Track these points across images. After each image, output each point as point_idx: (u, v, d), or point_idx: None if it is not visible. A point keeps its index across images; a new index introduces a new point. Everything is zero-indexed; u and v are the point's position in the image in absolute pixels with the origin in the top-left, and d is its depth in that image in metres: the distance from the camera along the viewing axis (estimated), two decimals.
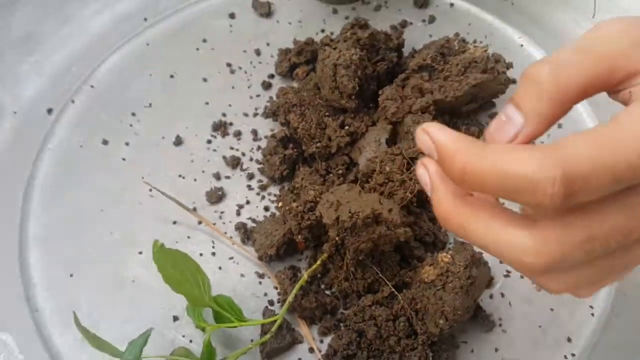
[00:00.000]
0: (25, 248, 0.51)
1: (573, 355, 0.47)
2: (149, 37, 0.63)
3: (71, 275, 0.50)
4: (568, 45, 0.28)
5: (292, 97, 0.54)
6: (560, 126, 0.56)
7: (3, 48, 0.61)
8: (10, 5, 0.62)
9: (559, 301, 0.49)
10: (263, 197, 0.54)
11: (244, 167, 0.56)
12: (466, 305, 0.43)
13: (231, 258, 0.51)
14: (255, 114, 0.59)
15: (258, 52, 0.62)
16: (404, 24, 0.63)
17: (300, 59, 0.60)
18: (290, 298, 0.45)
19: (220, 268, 0.51)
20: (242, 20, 0.64)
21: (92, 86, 0.61)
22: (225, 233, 0.52)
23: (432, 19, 0.64)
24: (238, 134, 0.57)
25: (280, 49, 0.61)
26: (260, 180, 0.55)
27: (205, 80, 0.61)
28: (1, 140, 0.57)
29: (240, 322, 0.43)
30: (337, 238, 0.45)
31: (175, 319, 0.48)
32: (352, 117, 0.55)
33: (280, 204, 0.51)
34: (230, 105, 0.59)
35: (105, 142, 0.57)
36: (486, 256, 0.45)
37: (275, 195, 0.54)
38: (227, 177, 0.55)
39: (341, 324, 0.47)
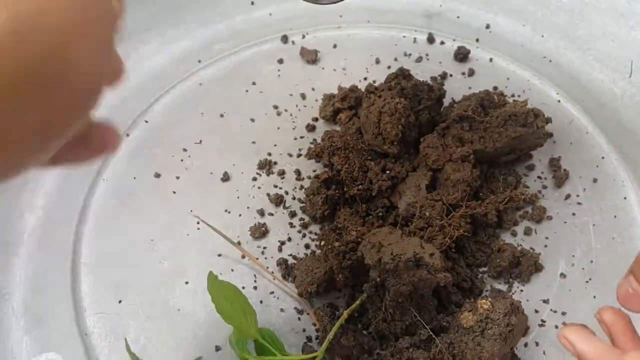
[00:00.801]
0: (77, 274, 0.54)
1: None
2: (202, 78, 0.67)
3: (120, 302, 0.52)
4: None
5: (337, 140, 0.57)
6: (595, 180, 0.58)
7: None
8: None
9: None
10: (304, 235, 0.56)
11: (287, 205, 0.58)
12: (503, 352, 0.44)
13: (272, 293, 0.53)
14: (299, 155, 0.61)
15: (303, 96, 0.66)
16: (444, 76, 0.66)
17: (344, 105, 0.63)
18: (330, 335, 0.46)
19: (261, 302, 0.52)
20: (289, 65, 0.68)
21: (146, 121, 0.64)
22: (267, 268, 0.54)
23: (471, 72, 0.66)
24: (282, 173, 0.60)
25: (324, 94, 0.64)
26: (302, 219, 0.57)
27: (252, 120, 0.64)
28: (58, 169, 0.61)
29: (283, 355, 0.45)
30: (378, 279, 0.47)
31: (218, 348, 0.50)
32: (394, 162, 0.57)
33: (322, 243, 0.53)
34: (275, 145, 0.62)
35: (157, 175, 0.60)
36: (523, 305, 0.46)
37: (316, 233, 0.56)
38: (271, 214, 0.57)
39: None
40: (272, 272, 0.54)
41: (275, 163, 0.61)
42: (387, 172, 0.56)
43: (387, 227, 0.52)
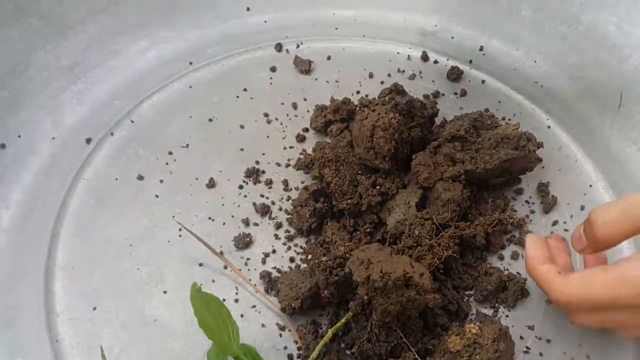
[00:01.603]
0: (51, 276, 0.51)
1: None
2: (193, 80, 0.66)
3: (94, 309, 0.50)
4: (614, 206, 0.42)
5: (328, 152, 0.56)
6: (583, 208, 0.58)
7: (50, 74, 0.63)
8: (63, 33, 0.65)
9: None
10: (289, 248, 0.55)
11: (273, 215, 0.57)
12: None
13: (253, 307, 0.51)
14: (288, 165, 0.60)
15: (295, 106, 0.64)
16: (436, 94, 0.66)
17: (336, 117, 0.62)
18: (314, 355, 0.45)
19: (242, 316, 0.51)
20: (282, 74, 0.67)
21: (132, 121, 0.62)
22: (250, 280, 0.52)
23: (463, 93, 0.66)
24: (269, 183, 0.59)
25: (317, 105, 0.63)
26: (287, 231, 0.56)
27: (242, 127, 0.62)
28: (38, 164, 0.58)
29: None
30: (365, 297, 0.45)
31: None
32: (384, 177, 0.56)
33: (309, 257, 0.52)
34: (264, 154, 0.61)
35: (140, 178, 0.58)
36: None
37: (301, 246, 0.55)
38: (256, 224, 0.56)
39: None
40: (255, 285, 0.52)
41: (263, 172, 0.60)
42: (378, 187, 0.55)
43: (376, 243, 0.51)
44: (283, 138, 0.62)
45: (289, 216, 0.56)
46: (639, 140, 0.60)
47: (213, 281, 0.52)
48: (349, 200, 0.54)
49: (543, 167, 0.60)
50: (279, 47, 0.69)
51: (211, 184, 0.58)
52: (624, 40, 0.63)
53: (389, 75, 0.68)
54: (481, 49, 0.70)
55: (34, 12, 0.62)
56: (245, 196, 0.58)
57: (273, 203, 0.57)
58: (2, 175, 0.56)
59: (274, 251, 0.54)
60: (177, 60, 0.67)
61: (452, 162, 0.56)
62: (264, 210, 0.57)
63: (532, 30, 0.69)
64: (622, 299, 0.40)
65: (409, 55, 0.69)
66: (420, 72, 0.68)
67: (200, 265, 0.53)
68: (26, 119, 0.60)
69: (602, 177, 0.60)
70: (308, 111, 0.64)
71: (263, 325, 0.50)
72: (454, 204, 0.53)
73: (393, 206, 0.55)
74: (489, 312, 0.51)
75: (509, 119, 0.64)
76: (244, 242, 0.54)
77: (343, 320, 0.48)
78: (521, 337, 0.50)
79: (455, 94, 0.66)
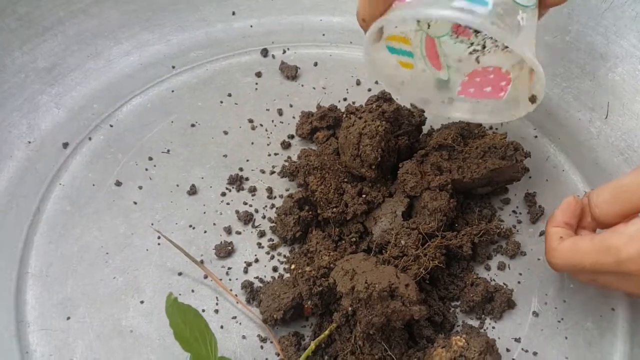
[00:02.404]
0: (23, 284, 0.49)
1: None
2: (175, 85, 0.64)
3: (68, 318, 0.48)
4: (606, 189, 0.45)
5: (314, 159, 0.55)
6: None
7: (26, 76, 0.61)
8: (41, 34, 0.63)
9: None
10: (272, 257, 0.53)
11: (256, 223, 0.55)
12: None
13: (234, 317, 0.50)
14: (272, 172, 0.59)
15: (280, 112, 0.63)
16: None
17: (322, 124, 0.61)
18: None
19: (222, 327, 0.49)
20: (268, 79, 0.66)
21: (111, 125, 0.61)
22: (231, 290, 0.51)
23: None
24: (253, 190, 0.57)
25: (303, 111, 0.62)
26: (271, 239, 0.54)
27: (226, 133, 0.61)
28: (12, 168, 0.56)
29: None
30: (349, 308, 0.44)
31: None
32: (370, 186, 0.55)
33: (292, 267, 0.51)
34: (247, 161, 0.59)
35: (118, 184, 0.56)
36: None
37: (284, 256, 0.53)
38: (238, 233, 0.54)
39: None
40: (236, 295, 0.50)
41: (247, 179, 0.58)
42: (364, 196, 0.54)
43: (361, 253, 0.50)
44: (267, 144, 0.61)
45: (272, 224, 0.55)
46: (626, 150, 0.60)
47: (192, 291, 0.50)
48: (334, 209, 0.53)
49: (530, 177, 0.59)
50: (264, 53, 0.68)
51: (192, 191, 0.57)
52: (610, 51, 0.63)
53: (376, 82, 0.67)
54: None
55: (11, 13, 0.60)
56: (227, 204, 0.56)
57: (256, 211, 0.56)
58: None
59: (256, 260, 0.53)
60: (159, 64, 0.65)
61: (439, 171, 0.55)
62: (246, 219, 0.55)
63: None
64: (602, 265, 0.42)
65: None
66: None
67: (180, 274, 0.51)
68: (1, 121, 0.58)
69: (589, 188, 0.59)
70: (294, 117, 0.63)
71: (244, 337, 0.49)
72: (441, 214, 0.52)
73: (379, 215, 0.54)
74: (475, 323, 0.50)
75: (496, 129, 0.63)
76: (225, 251, 0.53)
77: (327, 332, 0.46)
78: (507, 350, 0.49)
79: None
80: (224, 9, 0.70)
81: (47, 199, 0.55)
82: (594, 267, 0.42)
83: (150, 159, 0.58)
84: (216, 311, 0.50)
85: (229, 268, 0.52)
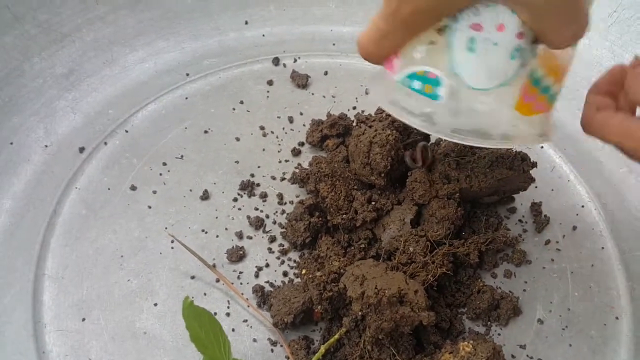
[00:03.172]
0: (40, 285, 0.50)
1: None
2: (189, 92, 0.66)
3: (83, 320, 0.49)
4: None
5: (324, 167, 0.56)
6: (575, 228, 0.58)
7: (44, 81, 0.63)
8: (60, 40, 0.64)
9: None
10: (283, 262, 0.54)
11: (267, 229, 0.56)
12: None
13: (245, 321, 0.51)
14: (283, 179, 0.60)
15: (291, 120, 0.65)
16: None
17: (332, 132, 0.62)
18: None
19: (233, 330, 0.50)
20: (279, 88, 0.67)
21: (126, 131, 0.62)
22: (242, 294, 0.52)
23: None
24: (264, 196, 0.58)
25: (313, 119, 0.64)
26: (281, 245, 0.55)
27: (237, 139, 0.62)
28: (29, 171, 0.58)
29: None
30: (359, 313, 0.45)
31: None
32: (379, 193, 0.56)
33: (303, 271, 0.52)
34: (259, 167, 0.60)
35: (133, 188, 0.57)
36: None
37: (295, 261, 0.54)
38: (249, 237, 0.56)
39: None
40: (247, 299, 0.51)
41: (258, 185, 0.59)
42: (373, 203, 0.55)
43: (370, 259, 0.51)
44: (278, 151, 0.62)
45: (283, 230, 0.56)
46: (631, 162, 0.61)
47: (205, 294, 0.52)
48: (344, 216, 0.54)
49: (536, 187, 0.60)
50: (276, 61, 0.70)
51: (205, 196, 0.58)
52: (614, 63, 0.64)
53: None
54: None
55: (31, 20, 0.62)
56: (239, 209, 0.57)
57: (267, 216, 0.57)
58: None
59: (267, 265, 0.54)
60: (174, 71, 0.67)
61: (447, 180, 0.56)
62: (258, 224, 0.56)
63: None
64: (623, 148, 0.41)
65: None
66: None
67: (192, 278, 0.52)
68: (19, 125, 0.60)
69: (594, 198, 0.60)
70: (304, 125, 0.64)
71: (254, 340, 0.50)
72: (449, 222, 0.53)
73: (388, 222, 0.55)
74: (481, 330, 0.51)
75: None
76: (237, 256, 0.54)
77: (336, 336, 0.47)
78: (513, 356, 0.50)
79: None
80: (237, 18, 0.71)
81: (64, 202, 0.56)
82: (618, 146, 0.42)
83: (165, 164, 0.60)
84: (227, 314, 0.51)
85: (241, 272, 0.53)
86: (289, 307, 0.49)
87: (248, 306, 0.51)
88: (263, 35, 0.72)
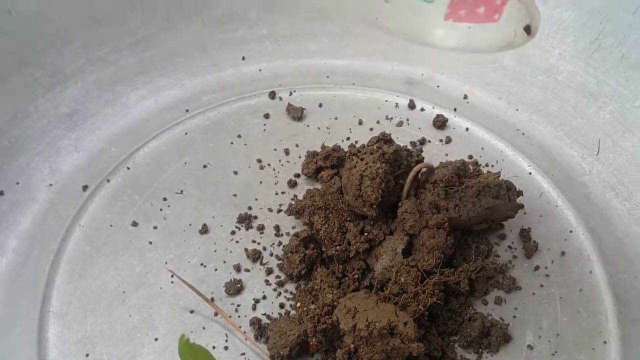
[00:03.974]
0: (45, 322, 0.52)
1: None
2: (188, 127, 0.68)
3: (87, 356, 0.51)
4: None
5: (318, 200, 0.58)
6: (563, 253, 0.59)
7: (49, 122, 0.65)
8: (63, 82, 0.67)
9: None
10: (279, 294, 0.56)
11: (264, 261, 0.58)
12: None
13: (243, 354, 0.52)
14: (279, 210, 0.62)
15: (287, 152, 0.67)
16: (422, 141, 0.68)
17: (327, 163, 0.64)
18: None
19: None
20: (275, 120, 0.70)
21: (128, 168, 0.64)
22: (240, 327, 0.54)
23: (448, 140, 0.69)
24: (261, 228, 0.60)
25: (308, 151, 0.66)
26: (278, 276, 0.57)
27: (235, 173, 0.65)
28: (35, 210, 0.60)
29: None
30: (352, 346, 0.47)
31: None
32: (372, 224, 0.58)
33: (298, 304, 0.53)
34: (256, 199, 0.63)
35: (134, 224, 0.60)
36: None
37: (291, 292, 0.56)
38: (247, 270, 0.57)
39: None
40: (245, 332, 0.53)
41: (255, 217, 0.61)
42: (365, 234, 0.57)
43: (362, 291, 0.52)
44: (275, 184, 0.64)
45: (279, 262, 0.58)
46: (617, 186, 0.63)
47: (204, 328, 0.53)
48: (338, 247, 0.56)
49: (525, 213, 0.62)
50: (272, 95, 0.72)
51: (204, 230, 0.60)
52: (600, 90, 0.66)
53: (377, 122, 0.70)
54: (465, 97, 0.73)
55: (35, 63, 0.65)
56: (237, 242, 0.59)
57: (264, 249, 0.59)
58: (0, 222, 0.57)
59: (264, 297, 0.56)
60: (174, 107, 0.69)
61: (437, 210, 0.58)
62: (255, 256, 0.58)
63: (513, 79, 0.72)
64: None
65: (396, 103, 0.72)
66: (407, 120, 0.71)
67: (192, 312, 0.54)
68: (25, 166, 0.62)
69: (582, 223, 0.62)
70: (300, 157, 0.66)
71: None
72: (439, 251, 0.54)
73: (380, 253, 0.57)
74: (472, 357, 0.52)
75: (492, 166, 0.66)
76: (235, 289, 0.56)
77: None
78: None
79: (441, 140, 0.69)
80: (235, 55, 0.74)
81: (68, 239, 0.58)
82: None
83: (165, 199, 0.62)
84: (226, 348, 0.52)
85: (238, 305, 0.55)
86: (285, 340, 0.51)
87: (246, 339, 0.53)
88: (260, 70, 0.74)
